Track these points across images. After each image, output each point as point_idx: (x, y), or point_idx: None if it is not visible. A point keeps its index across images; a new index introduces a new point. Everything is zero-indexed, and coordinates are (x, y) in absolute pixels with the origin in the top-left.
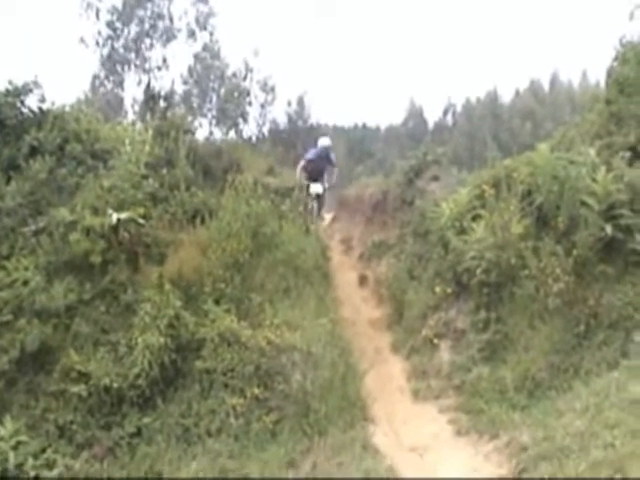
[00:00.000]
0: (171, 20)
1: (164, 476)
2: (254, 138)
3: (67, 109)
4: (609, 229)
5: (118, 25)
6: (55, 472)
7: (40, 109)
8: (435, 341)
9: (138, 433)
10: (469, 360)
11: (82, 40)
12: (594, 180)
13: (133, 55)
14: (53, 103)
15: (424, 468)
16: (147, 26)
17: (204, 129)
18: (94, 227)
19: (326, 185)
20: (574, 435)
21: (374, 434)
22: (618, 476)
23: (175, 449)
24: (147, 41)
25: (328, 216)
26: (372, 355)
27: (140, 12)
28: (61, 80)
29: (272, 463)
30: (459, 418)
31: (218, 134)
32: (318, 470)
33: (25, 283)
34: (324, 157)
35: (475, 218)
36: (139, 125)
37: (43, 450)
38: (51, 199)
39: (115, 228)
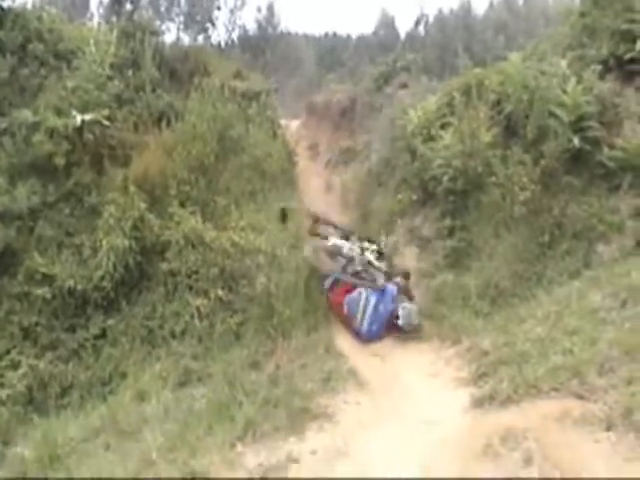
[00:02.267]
0: None
1: (129, 376)
2: (223, 44)
3: (29, 7)
4: (577, 141)
5: None
6: (20, 372)
7: (0, 7)
8: (400, 248)
9: (102, 335)
10: (434, 267)
11: None
12: (564, 91)
13: None
14: (14, 0)
15: (385, 371)
16: None
17: (171, 34)
18: (58, 128)
19: None
20: (534, 341)
21: (337, 337)
22: (575, 380)
23: (139, 351)
24: None
25: (295, 122)
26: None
27: None
28: None
29: (235, 364)
30: (422, 323)
31: (186, 40)
32: (281, 371)
33: None
34: None
35: (444, 126)
36: (104, 26)
37: (7, 351)
38: (13, 100)
39: (79, 130)
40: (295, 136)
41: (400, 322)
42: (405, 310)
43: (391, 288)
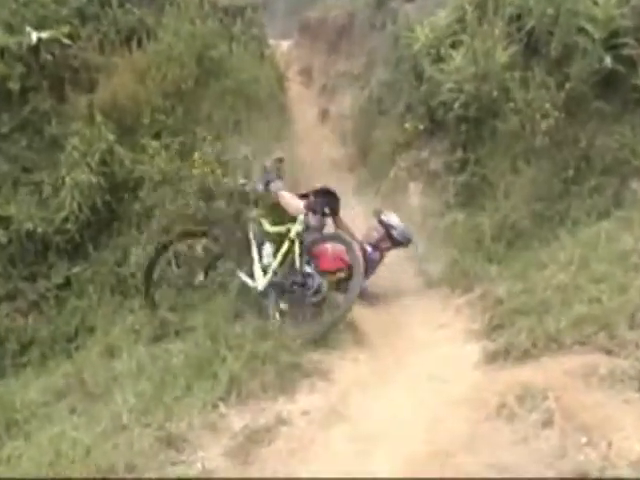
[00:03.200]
0: None
1: (97, 331)
2: None
3: None
4: (609, 60)
5: None
6: None
7: None
8: (405, 184)
9: (67, 284)
10: (442, 205)
11: None
12: (595, 3)
13: None
14: None
15: (386, 321)
16: None
17: None
18: (10, 48)
19: None
20: (556, 288)
21: None
22: (602, 333)
23: (109, 302)
24: None
25: (286, 43)
26: None
27: None
28: None
29: (218, 315)
30: (429, 269)
31: None
32: (269, 323)
33: None
34: None
35: (455, 44)
36: None
37: None
38: None
39: (35, 49)
40: (286, 58)
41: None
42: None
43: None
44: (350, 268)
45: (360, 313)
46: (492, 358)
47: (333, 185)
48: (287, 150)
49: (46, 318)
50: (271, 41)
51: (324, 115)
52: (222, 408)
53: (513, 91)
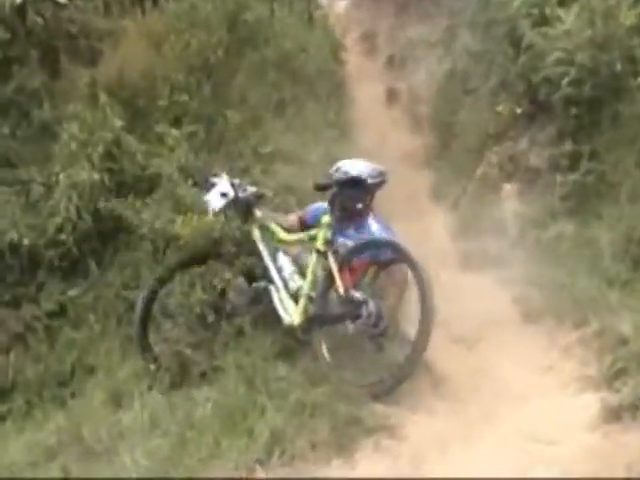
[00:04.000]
0: None
1: (99, 372)
2: None
3: None
4: None
5: None
6: None
7: None
8: (497, 184)
9: (61, 312)
10: (546, 212)
11: None
12: None
13: None
14: None
15: (472, 365)
16: None
17: None
18: None
19: None
20: None
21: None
22: None
23: (115, 335)
24: None
25: (342, 1)
26: (403, 204)
27: None
28: None
29: (256, 353)
30: (529, 295)
31: None
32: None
33: None
34: None
35: (564, 2)
36: None
37: None
38: None
39: (21, 10)
40: (342, 22)
41: None
42: None
43: None
44: (401, 288)
45: (437, 351)
46: (615, 415)
47: (405, 184)
48: (343, 140)
49: (33, 355)
50: None
51: (392, 95)
52: (260, 472)
53: None
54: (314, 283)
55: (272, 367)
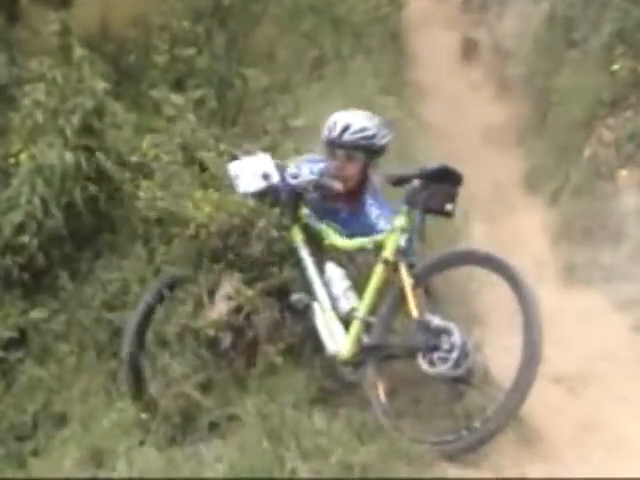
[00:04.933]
0: None
1: (71, 422)
2: None
3: None
4: None
5: None
6: None
7: None
8: (611, 170)
9: (21, 340)
10: None
11: None
12: None
13: None
14: None
15: (577, 414)
16: None
17: None
18: None
19: None
20: None
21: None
22: None
23: (94, 371)
24: None
25: None
26: (487, 197)
27: None
28: None
29: (282, 396)
30: None
31: None
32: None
33: None
34: None
35: None
36: None
37: None
38: None
39: None
40: None
41: None
42: None
43: None
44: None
45: (531, 394)
46: None
47: (489, 171)
48: (403, 110)
49: None
50: None
51: (470, 48)
52: None
53: None
54: (374, 305)
55: (305, 416)
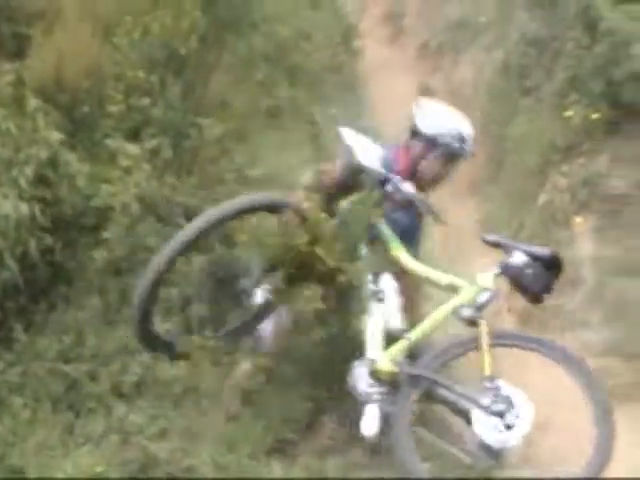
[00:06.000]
0: None
1: None
2: None
3: None
4: None
5: None
6: None
7: None
8: (566, 216)
9: None
10: (634, 255)
11: None
12: None
13: None
14: None
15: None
16: None
17: None
18: None
19: None
20: None
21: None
22: None
23: (50, 423)
24: None
25: None
26: (443, 244)
27: None
28: None
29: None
30: (613, 368)
31: None
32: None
33: None
34: None
35: None
36: None
37: None
38: None
39: None
40: None
41: None
42: None
43: None
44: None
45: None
46: None
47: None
48: None
49: None
50: None
51: (426, 95)
52: None
53: None
54: (426, 335)
55: (264, 466)
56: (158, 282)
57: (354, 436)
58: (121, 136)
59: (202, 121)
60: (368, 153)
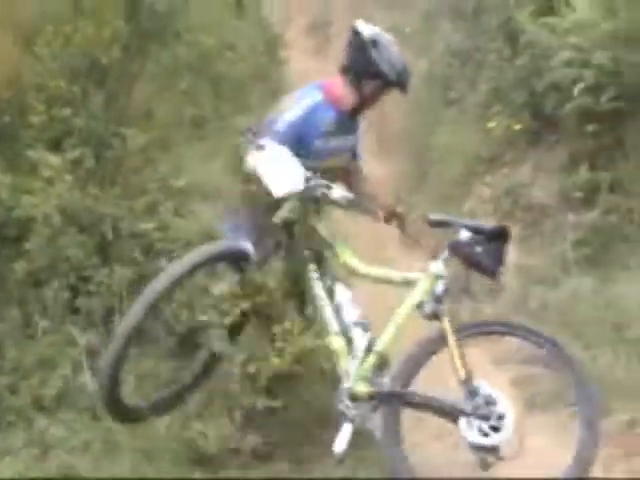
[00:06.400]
0: None
1: None
2: None
3: None
4: None
5: None
6: None
7: None
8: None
9: None
10: (555, 264)
11: None
12: None
13: None
14: None
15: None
16: None
17: None
18: None
19: None
20: None
21: None
22: None
23: None
24: None
25: None
26: (370, 252)
27: None
28: None
29: None
30: (534, 377)
31: None
32: None
33: None
34: None
35: None
36: None
37: None
38: None
39: None
40: (283, 7)
41: None
42: None
43: None
44: None
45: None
46: None
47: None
48: None
49: None
50: None
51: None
52: None
53: None
54: (393, 342)
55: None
56: (127, 346)
57: (278, 450)
58: (43, 147)
59: (125, 131)
60: (288, 178)
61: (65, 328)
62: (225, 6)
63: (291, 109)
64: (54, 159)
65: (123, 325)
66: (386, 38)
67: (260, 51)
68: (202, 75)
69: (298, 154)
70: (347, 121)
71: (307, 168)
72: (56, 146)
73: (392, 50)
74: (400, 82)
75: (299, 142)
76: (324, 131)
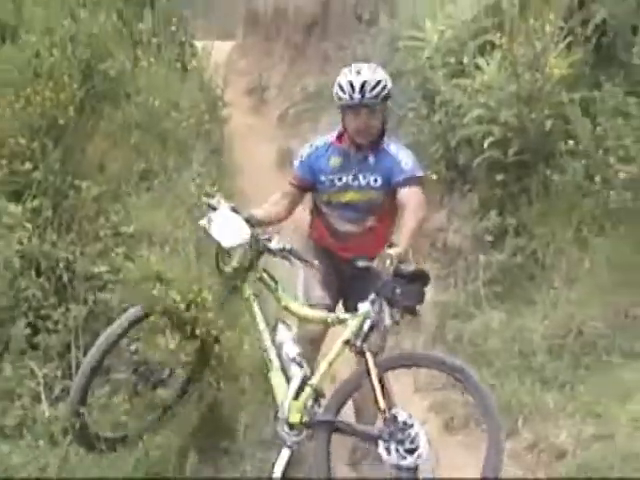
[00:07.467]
0: None
1: None
2: None
3: None
4: None
5: None
6: None
7: None
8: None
9: None
10: (468, 299)
11: None
12: None
13: None
14: None
15: None
16: None
17: None
18: None
19: None
20: None
21: None
22: None
23: None
24: None
25: (225, 45)
26: None
27: None
28: None
29: None
30: (449, 402)
31: None
32: None
33: None
34: None
35: (484, 49)
36: None
37: None
38: None
39: None
40: (225, 70)
41: None
42: None
43: None
44: None
45: None
46: None
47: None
48: None
49: None
50: (200, 43)
51: (286, 158)
52: None
53: (576, 120)
54: (325, 377)
55: None
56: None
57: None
58: (4, 197)
59: (80, 183)
60: (234, 232)
61: (25, 362)
62: (170, 70)
63: (304, 149)
64: (15, 209)
65: (86, 361)
66: (348, 68)
67: (203, 110)
68: (150, 132)
69: (316, 187)
70: (354, 158)
71: (325, 200)
72: (17, 197)
73: (343, 73)
74: (352, 99)
75: (313, 176)
76: (331, 168)
